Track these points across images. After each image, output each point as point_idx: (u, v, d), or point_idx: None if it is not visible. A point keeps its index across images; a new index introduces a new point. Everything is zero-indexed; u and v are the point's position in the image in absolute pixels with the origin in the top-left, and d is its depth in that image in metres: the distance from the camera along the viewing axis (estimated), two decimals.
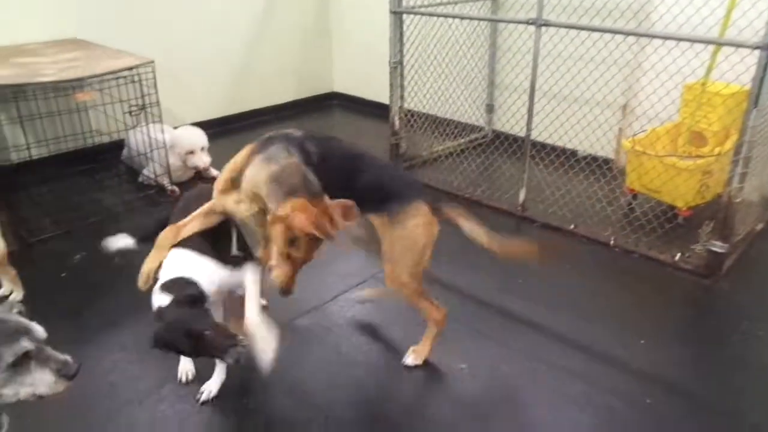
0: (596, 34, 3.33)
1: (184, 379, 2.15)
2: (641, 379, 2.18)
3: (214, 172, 3.85)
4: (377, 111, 4.90)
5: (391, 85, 3.77)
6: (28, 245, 3.01)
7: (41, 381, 1.30)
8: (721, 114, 3.09)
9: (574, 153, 3.82)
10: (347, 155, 1.98)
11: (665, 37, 2.83)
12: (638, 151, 3.19)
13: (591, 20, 3.37)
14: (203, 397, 2.06)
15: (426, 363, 2.23)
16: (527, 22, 3.01)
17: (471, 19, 4.03)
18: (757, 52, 2.35)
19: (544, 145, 3.68)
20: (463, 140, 4.34)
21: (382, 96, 4.22)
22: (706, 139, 3.23)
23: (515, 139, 3.80)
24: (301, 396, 2.11)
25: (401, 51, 3.71)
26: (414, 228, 1.93)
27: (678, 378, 2.20)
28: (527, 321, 2.48)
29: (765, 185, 3.11)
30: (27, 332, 1.29)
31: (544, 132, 3.72)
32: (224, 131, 4.53)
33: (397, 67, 3.72)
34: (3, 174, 3.22)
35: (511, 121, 3.99)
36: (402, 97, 3.84)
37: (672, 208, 3.20)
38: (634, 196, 3.43)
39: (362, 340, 2.38)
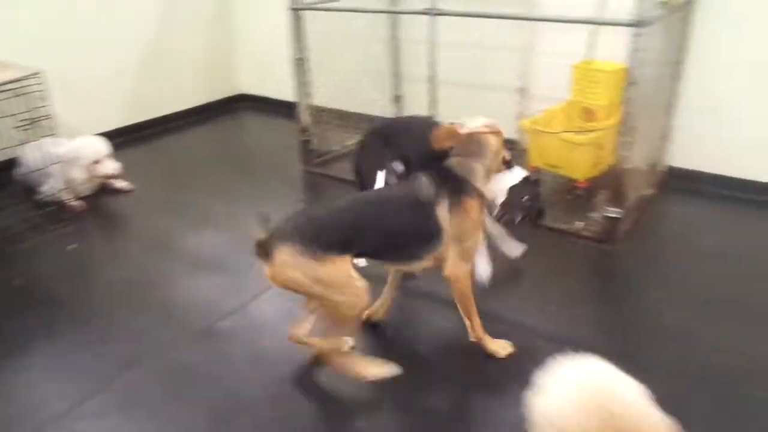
0: (490, 21, 3.46)
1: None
2: (554, 342, 2.32)
3: (122, 183, 3.72)
4: (286, 110, 4.87)
5: (296, 81, 3.77)
6: None
7: None
8: (606, 90, 3.31)
9: None
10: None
11: (547, 20, 2.99)
12: (536, 129, 3.37)
13: (485, 7, 3.51)
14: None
15: None
16: (422, 13, 3.10)
17: (366, 12, 4.06)
18: (630, 30, 2.55)
19: None
20: None
21: (289, 94, 4.19)
22: (596, 114, 3.44)
23: None
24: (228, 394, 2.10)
25: (303, 47, 3.71)
26: None
27: (586, 337, 2.35)
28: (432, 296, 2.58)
29: (650, 153, 3.37)
30: None
31: (447, 119, 3.82)
32: (131, 140, 4.38)
33: (300, 63, 3.72)
34: None
35: (418, 110, 4.09)
36: (308, 93, 3.84)
37: (572, 181, 3.40)
38: (537, 173, 3.61)
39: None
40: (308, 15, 3.75)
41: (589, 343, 2.29)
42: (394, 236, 1.99)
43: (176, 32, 4.82)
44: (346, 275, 1.88)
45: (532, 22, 3.60)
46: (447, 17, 3.27)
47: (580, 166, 3.29)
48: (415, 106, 4.13)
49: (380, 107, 4.48)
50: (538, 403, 1.30)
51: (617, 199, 2.90)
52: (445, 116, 3.75)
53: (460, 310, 2.18)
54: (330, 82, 4.14)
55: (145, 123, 4.68)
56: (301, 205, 3.55)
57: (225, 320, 2.49)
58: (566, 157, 3.30)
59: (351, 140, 4.23)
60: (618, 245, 2.92)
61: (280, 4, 3.73)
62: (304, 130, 3.90)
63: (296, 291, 1.92)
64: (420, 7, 3.17)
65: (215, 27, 5.14)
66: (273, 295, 2.60)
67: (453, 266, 2.07)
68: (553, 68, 3.33)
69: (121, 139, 4.26)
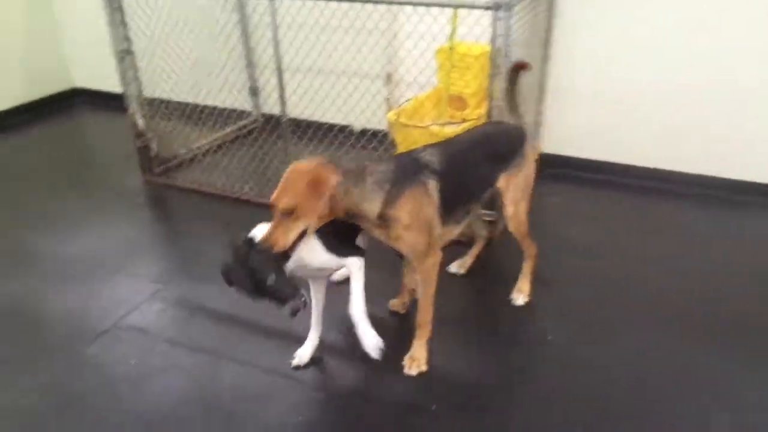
0: (345, 4, 3.07)
1: (296, 363, 2.07)
2: None
3: None
4: None
5: (123, 78, 3.18)
6: None
7: None
8: (474, 75, 3.04)
9: (349, 129, 3.59)
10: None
11: (402, 2, 2.66)
12: (403, 123, 3.04)
13: None
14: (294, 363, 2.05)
15: None
16: None
17: None
18: (490, 13, 2.25)
19: (310, 124, 3.36)
20: (229, 129, 3.90)
21: None
22: (466, 101, 3.17)
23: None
24: None
25: (128, 37, 3.12)
26: (528, 172, 2.21)
27: None
28: None
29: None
30: None
31: (311, 110, 3.41)
32: None
33: (124, 57, 3.13)
34: None
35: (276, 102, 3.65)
36: (141, 91, 3.27)
37: None
38: None
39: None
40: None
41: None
42: None
43: None
44: None
45: (396, 5, 3.26)
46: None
47: None
48: (276, 98, 3.67)
49: (236, 100, 3.96)
50: None
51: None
52: (305, 106, 3.35)
53: None
54: (176, 75, 3.59)
55: None
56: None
57: None
58: None
59: (204, 140, 3.71)
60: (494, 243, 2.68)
61: None
62: (140, 135, 3.32)
63: None
64: None
65: (33, 14, 4.34)
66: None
67: None
68: (418, 53, 3.01)
69: None
